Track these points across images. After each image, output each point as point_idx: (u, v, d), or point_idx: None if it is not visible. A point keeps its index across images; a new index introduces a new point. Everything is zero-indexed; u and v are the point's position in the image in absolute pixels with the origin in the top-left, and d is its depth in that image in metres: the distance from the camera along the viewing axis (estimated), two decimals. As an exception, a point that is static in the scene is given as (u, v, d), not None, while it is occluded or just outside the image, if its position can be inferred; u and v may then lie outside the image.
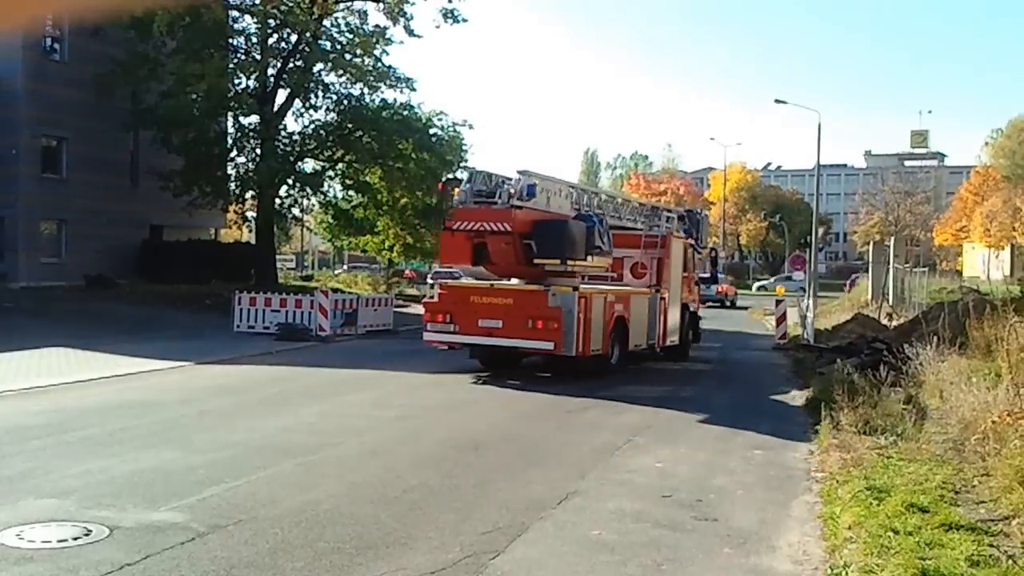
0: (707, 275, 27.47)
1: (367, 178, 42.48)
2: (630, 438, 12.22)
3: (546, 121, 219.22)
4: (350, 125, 40.12)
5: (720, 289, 53.31)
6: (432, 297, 19.78)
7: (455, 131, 43.79)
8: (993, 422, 8.97)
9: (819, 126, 44.66)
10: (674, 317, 22.69)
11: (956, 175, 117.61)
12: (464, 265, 19.10)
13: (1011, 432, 8.75)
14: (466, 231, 17.99)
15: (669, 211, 26.02)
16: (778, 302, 29.24)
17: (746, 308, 47.96)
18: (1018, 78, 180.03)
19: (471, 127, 44.31)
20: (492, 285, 18.86)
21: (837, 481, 9.31)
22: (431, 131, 42.24)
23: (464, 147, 45.07)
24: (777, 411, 15.35)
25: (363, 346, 24.82)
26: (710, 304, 54.89)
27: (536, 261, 18.06)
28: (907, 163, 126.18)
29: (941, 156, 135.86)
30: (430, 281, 34.17)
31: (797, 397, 16.64)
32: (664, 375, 19.51)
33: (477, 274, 19.08)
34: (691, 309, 24.54)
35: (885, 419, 11.88)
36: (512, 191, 18.00)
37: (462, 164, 45.61)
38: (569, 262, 18.21)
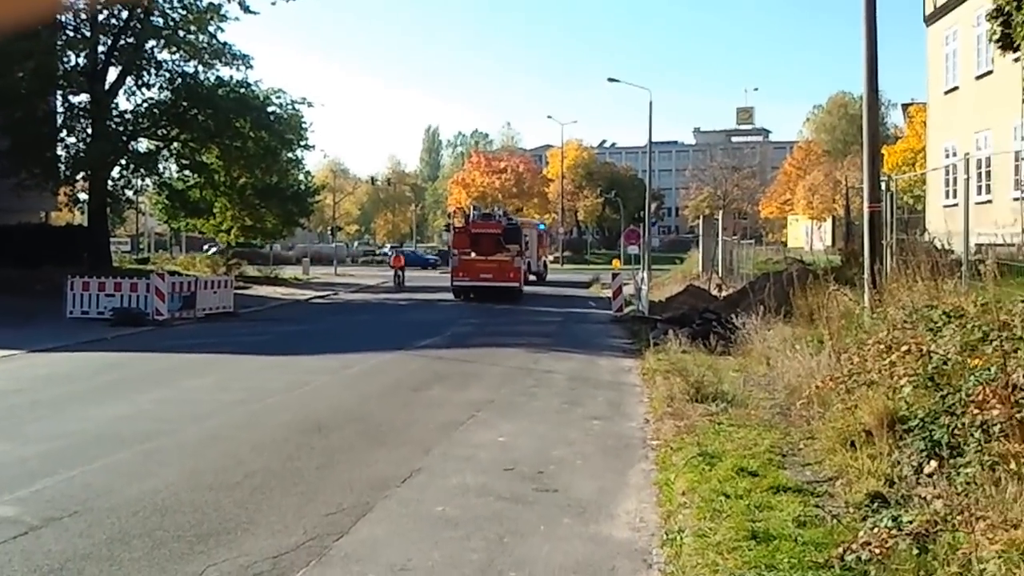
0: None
1: (203, 158, 41.31)
2: (473, 414, 12.24)
3: (387, 99, 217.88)
4: (185, 103, 38.85)
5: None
6: (456, 264, 37.13)
7: (294, 109, 42.80)
8: (816, 387, 9.29)
9: (650, 104, 45.88)
10: (534, 265, 50.09)
11: (780, 150, 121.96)
12: (466, 251, 36.84)
13: (833, 396, 9.07)
14: (471, 232, 37.35)
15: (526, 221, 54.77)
16: (614, 275, 29.81)
17: (588, 285, 48.63)
18: (837, 56, 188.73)
19: (310, 105, 43.31)
20: (487, 258, 36.24)
21: (671, 448, 9.53)
22: (269, 109, 41.31)
23: (304, 125, 44.16)
24: (614, 382, 15.59)
25: (203, 330, 24.17)
26: None
27: (506, 246, 36.95)
28: (734, 139, 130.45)
29: (766, 132, 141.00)
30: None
31: (633, 368, 16.99)
32: (504, 353, 19.62)
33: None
34: (545, 261, 56.89)
35: (716, 387, 12.26)
36: (498, 216, 41.65)
37: (302, 143, 44.87)
38: (515, 246, 37.73)
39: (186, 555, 6.54)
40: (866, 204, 15.98)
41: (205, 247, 64.22)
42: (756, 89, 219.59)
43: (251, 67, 40.64)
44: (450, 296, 37.56)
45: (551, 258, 67.70)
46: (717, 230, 41.95)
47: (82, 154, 37.09)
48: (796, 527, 6.50)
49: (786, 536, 6.31)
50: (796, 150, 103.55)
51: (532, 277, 50.19)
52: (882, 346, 8.75)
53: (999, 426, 6.56)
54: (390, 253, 58.82)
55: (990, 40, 16.52)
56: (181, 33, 37.80)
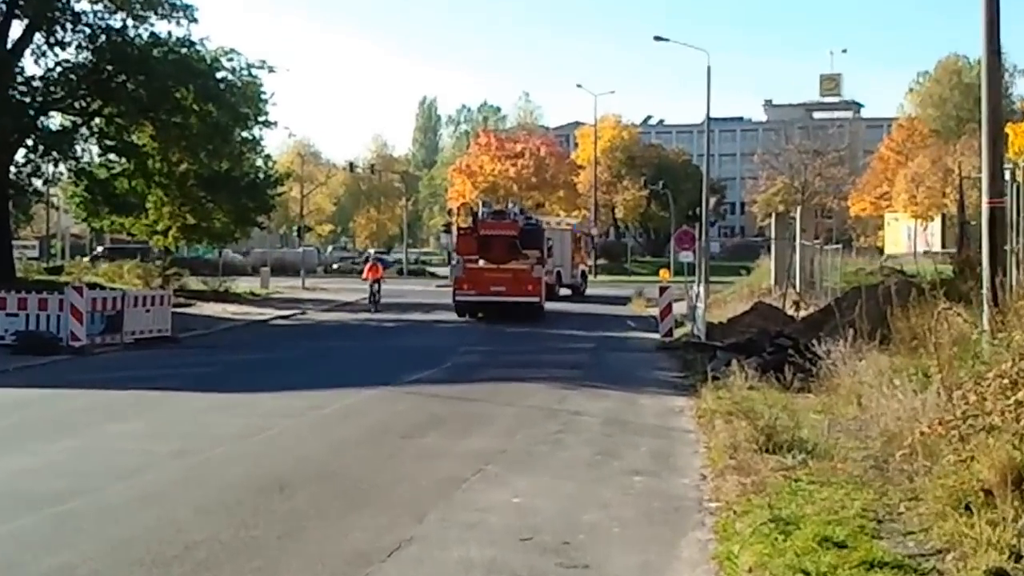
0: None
1: (134, 138, 41.37)
2: (481, 467, 12.25)
3: (371, 63, 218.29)
4: (110, 67, 38.97)
5: None
6: (459, 274, 37.82)
7: (251, 75, 42.91)
8: (922, 433, 9.24)
9: (708, 70, 45.58)
10: (566, 276, 52.89)
11: (875, 129, 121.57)
12: (472, 257, 37.41)
13: (943, 445, 9.03)
14: (479, 234, 37.83)
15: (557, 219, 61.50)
16: (662, 289, 29.79)
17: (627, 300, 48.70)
18: (947, 10, 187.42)
19: (271, 70, 43.01)
20: (500, 267, 36.94)
21: (735, 512, 9.52)
22: (219, 75, 41.41)
23: (263, 96, 44.15)
24: (661, 427, 15.61)
25: (132, 359, 24.29)
26: None
27: (524, 251, 37.39)
28: (816, 115, 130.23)
29: (857, 106, 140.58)
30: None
31: (686, 408, 17.00)
32: (520, 390, 19.63)
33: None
34: (583, 270, 58.73)
35: (792, 433, 12.22)
36: (513, 213, 41.36)
37: (260, 118, 44.86)
38: (535, 251, 38.07)
39: (110, 649, 6.57)
40: (985, 198, 15.96)
41: (114, 247, 64.18)
42: (845, 51, 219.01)
43: (195, 20, 40.70)
44: (452, 315, 37.67)
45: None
46: (794, 232, 41.91)
47: (-24, 133, 37.25)
48: (895, 613, 6.49)
49: (883, 626, 6.30)
50: (896, 129, 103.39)
51: (565, 291, 52.77)
52: (1006, 381, 8.72)
53: None
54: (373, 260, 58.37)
55: None
56: (105, -24, 37.97)
